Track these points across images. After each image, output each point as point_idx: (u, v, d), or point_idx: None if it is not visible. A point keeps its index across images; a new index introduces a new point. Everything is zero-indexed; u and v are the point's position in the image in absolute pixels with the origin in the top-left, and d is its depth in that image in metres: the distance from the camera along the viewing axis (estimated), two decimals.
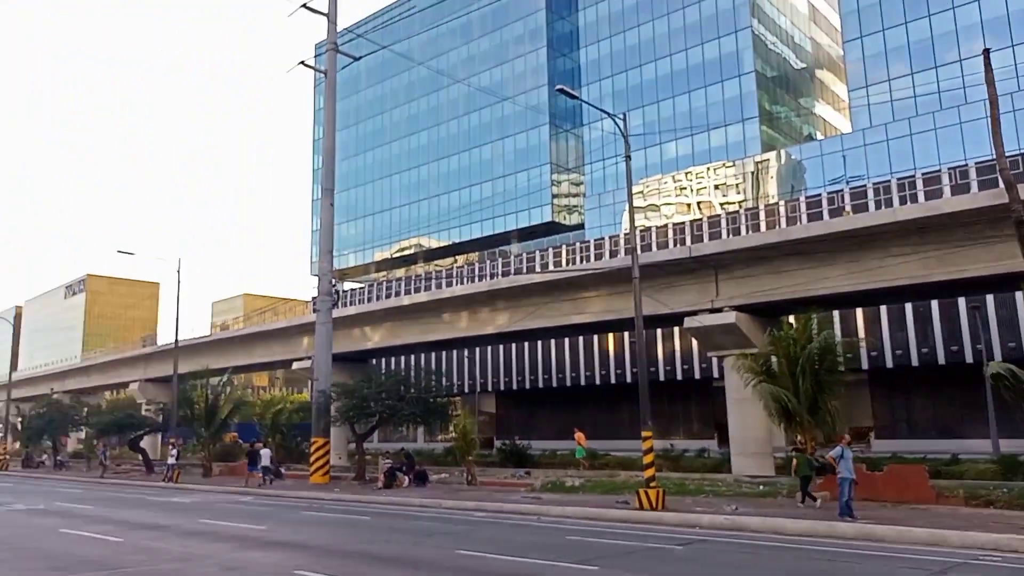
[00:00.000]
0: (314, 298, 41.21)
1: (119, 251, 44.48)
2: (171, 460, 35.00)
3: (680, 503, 19.06)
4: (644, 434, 19.58)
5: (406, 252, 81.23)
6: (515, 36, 74.68)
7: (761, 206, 54.05)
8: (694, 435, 49.29)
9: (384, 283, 74.11)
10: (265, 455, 30.41)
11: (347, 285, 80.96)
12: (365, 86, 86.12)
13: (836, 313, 42.46)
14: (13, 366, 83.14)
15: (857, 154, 53.62)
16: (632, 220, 22.55)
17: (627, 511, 18.13)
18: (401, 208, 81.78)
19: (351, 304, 55.65)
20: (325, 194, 32.16)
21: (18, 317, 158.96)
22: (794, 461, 19.62)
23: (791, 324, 25.95)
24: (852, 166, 53.54)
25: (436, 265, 77.61)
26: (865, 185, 48.80)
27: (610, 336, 54.37)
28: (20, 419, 55.91)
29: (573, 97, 24.11)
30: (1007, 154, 20.82)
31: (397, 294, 55.65)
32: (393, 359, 62.65)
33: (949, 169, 44.08)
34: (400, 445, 51.54)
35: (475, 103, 75.48)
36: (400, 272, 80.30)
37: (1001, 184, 20.15)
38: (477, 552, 12.66)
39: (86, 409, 54.67)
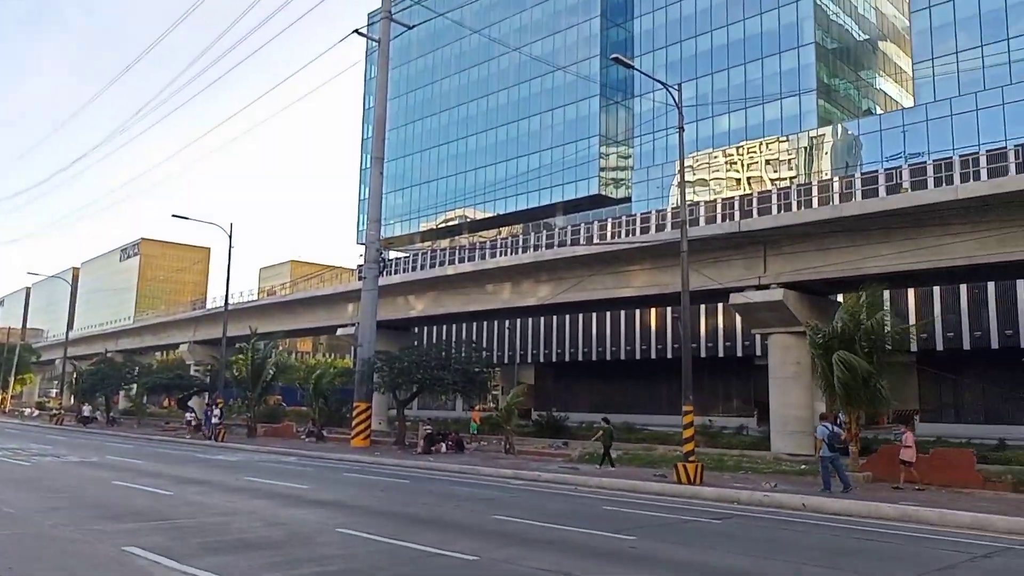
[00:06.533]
0: (360, 266, 41.63)
1: (173, 215, 45.99)
2: (214, 419, 35.78)
3: (718, 479, 18.92)
4: (685, 408, 19.43)
5: (451, 223, 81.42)
6: (568, 6, 73.49)
7: (814, 182, 52.72)
8: (733, 412, 48.87)
9: (428, 253, 74.53)
10: (215, 414, 35.97)
11: (392, 254, 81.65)
12: (416, 55, 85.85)
13: (887, 294, 41.34)
14: (70, 325, 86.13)
15: (918, 130, 51.83)
16: (683, 192, 22.30)
17: (664, 484, 18.06)
18: (448, 179, 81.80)
19: (395, 273, 56.16)
20: (375, 162, 32.33)
21: (75, 278, 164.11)
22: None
23: (840, 303, 25.33)
24: (912, 142, 51.75)
25: (480, 236, 77.67)
26: (925, 162, 47.15)
27: (652, 311, 53.98)
28: (75, 376, 57.93)
29: (628, 66, 23.76)
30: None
31: (441, 264, 55.83)
32: (435, 328, 63.16)
33: (1016, 147, 42.31)
34: (438, 413, 52.19)
35: (525, 74, 74.71)
36: (444, 243, 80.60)
37: None
38: (512, 518, 12.74)
39: (137, 368, 56.39)
